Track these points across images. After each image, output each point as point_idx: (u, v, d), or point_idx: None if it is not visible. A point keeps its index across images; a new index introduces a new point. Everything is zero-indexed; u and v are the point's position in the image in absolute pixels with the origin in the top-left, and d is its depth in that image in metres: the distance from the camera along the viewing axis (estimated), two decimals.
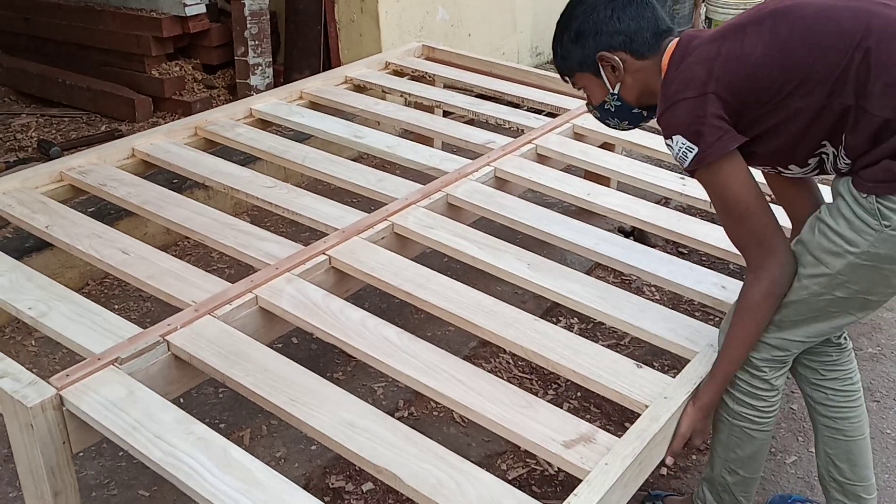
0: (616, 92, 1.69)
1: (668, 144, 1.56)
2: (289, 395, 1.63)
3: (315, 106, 3.19)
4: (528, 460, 2.19)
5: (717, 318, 2.01)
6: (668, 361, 2.54)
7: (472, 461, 2.17)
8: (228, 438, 1.54)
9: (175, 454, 1.48)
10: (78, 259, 2.44)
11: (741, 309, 1.62)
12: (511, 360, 2.57)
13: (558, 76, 1.79)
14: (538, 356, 1.80)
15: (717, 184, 1.54)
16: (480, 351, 2.59)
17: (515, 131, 2.98)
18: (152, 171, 2.75)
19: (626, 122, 1.76)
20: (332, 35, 4.24)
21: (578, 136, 2.90)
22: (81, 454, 1.73)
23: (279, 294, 1.94)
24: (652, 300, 2.19)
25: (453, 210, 2.42)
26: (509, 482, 2.11)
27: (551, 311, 2.82)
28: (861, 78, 1.43)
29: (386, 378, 2.43)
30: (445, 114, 3.37)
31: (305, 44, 4.29)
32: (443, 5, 4.35)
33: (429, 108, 3.27)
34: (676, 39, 1.62)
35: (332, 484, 2.08)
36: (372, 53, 3.86)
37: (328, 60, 4.29)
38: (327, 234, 2.19)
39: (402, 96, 3.37)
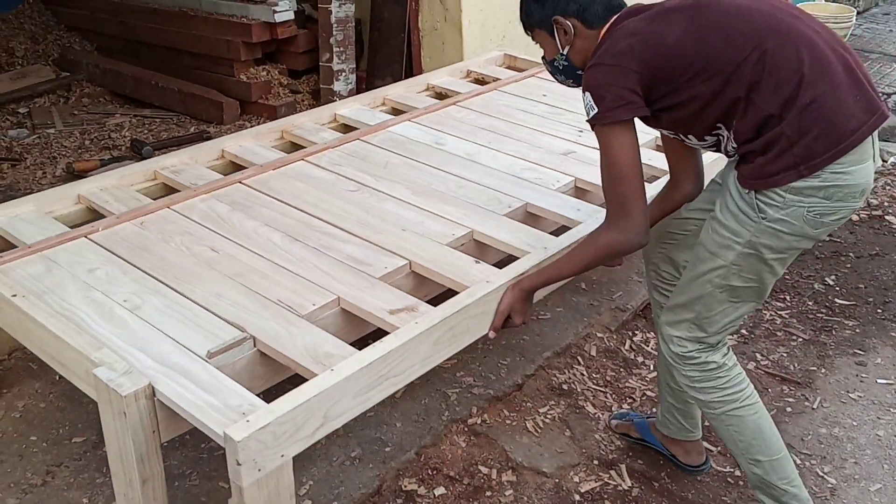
0: (565, 53, 1.86)
1: (582, 96, 1.74)
2: (174, 275, 2.06)
3: (397, 112, 3.23)
4: (600, 474, 2.17)
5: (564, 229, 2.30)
6: None
7: (544, 472, 2.18)
8: None
9: (71, 310, 1.91)
10: None
11: (586, 241, 1.85)
12: (585, 373, 2.56)
13: None
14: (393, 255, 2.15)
15: (603, 143, 1.73)
16: (554, 361, 2.59)
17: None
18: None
19: (571, 81, 1.92)
20: (416, 43, 4.29)
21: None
22: (165, 444, 1.79)
23: (192, 208, 2.39)
24: None
25: (368, 151, 2.75)
26: (581, 495, 2.11)
27: (626, 324, 2.79)
28: (755, 74, 1.61)
29: (460, 384, 2.45)
30: None
31: (388, 51, 4.35)
32: None
33: None
34: (619, 13, 1.79)
35: (405, 486, 2.10)
36: (454, 61, 3.90)
37: (410, 67, 4.34)
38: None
39: None
